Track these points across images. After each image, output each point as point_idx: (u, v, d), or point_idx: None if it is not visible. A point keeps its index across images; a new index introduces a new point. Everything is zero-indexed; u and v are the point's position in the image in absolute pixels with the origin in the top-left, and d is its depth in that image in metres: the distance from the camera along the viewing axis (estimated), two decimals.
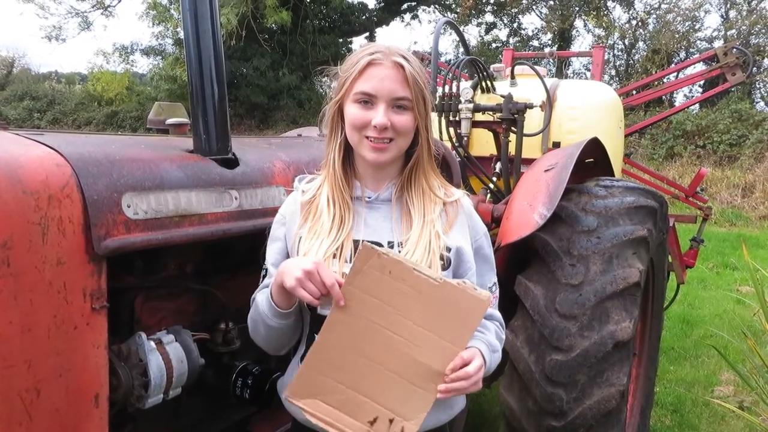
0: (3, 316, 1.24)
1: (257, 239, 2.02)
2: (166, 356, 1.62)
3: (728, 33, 17.14)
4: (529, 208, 2.46)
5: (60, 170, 1.36)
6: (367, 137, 1.49)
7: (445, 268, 1.51)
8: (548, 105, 3.53)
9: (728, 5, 17.85)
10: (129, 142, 1.72)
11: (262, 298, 1.53)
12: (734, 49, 4.89)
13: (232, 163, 1.85)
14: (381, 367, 1.37)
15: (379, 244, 1.52)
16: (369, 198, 1.58)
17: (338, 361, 1.37)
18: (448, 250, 1.53)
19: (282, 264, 1.47)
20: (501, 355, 1.61)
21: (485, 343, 1.51)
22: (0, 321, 1.24)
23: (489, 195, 3.40)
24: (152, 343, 1.61)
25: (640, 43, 18.90)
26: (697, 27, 18.01)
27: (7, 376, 1.26)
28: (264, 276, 1.62)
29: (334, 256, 1.50)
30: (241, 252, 1.97)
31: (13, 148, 1.36)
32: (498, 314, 1.66)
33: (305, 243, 1.53)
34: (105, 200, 1.43)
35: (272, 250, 1.62)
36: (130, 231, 1.48)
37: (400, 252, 1.50)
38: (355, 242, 1.52)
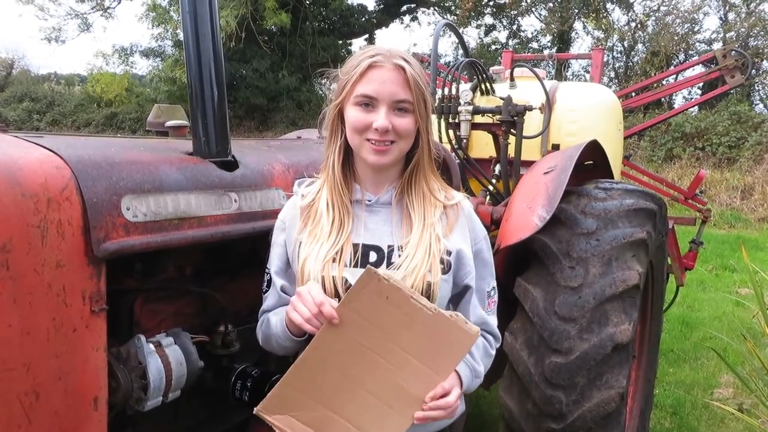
0: (2, 319, 1.24)
1: (257, 241, 2.02)
2: (165, 359, 1.61)
3: (727, 35, 17.16)
4: (529, 211, 2.46)
5: (59, 173, 1.36)
6: (369, 140, 1.48)
7: (445, 271, 1.51)
8: (547, 107, 3.53)
9: (727, 7, 17.88)
10: (128, 145, 1.72)
11: (276, 320, 1.56)
12: (733, 52, 4.90)
13: (231, 165, 1.85)
14: (361, 388, 1.37)
15: (379, 248, 1.52)
16: (369, 201, 1.57)
17: (318, 379, 1.37)
18: (449, 253, 1.53)
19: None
20: (482, 380, 1.62)
21: (469, 369, 1.54)
22: None
23: (488, 197, 3.41)
24: (151, 346, 1.60)
25: (639, 45, 18.93)
26: (696, 29, 18.04)
27: (6, 379, 1.26)
28: (268, 283, 1.63)
29: (334, 260, 1.49)
30: (240, 254, 1.97)
31: (13, 150, 1.36)
32: (493, 324, 1.66)
33: (305, 247, 1.53)
34: (104, 203, 1.43)
35: (273, 256, 1.63)
36: (130, 234, 1.48)
37: (400, 255, 1.50)
38: (355, 246, 1.52)
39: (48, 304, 1.31)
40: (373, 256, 1.52)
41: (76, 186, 1.38)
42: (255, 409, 1.42)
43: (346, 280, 1.48)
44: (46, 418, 1.33)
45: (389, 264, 1.50)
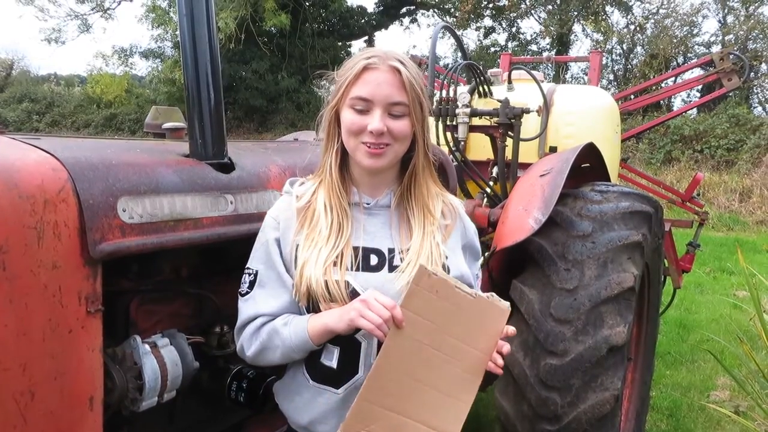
0: None
1: (252, 243, 2.03)
2: (160, 359, 1.62)
3: (726, 38, 17.20)
4: (525, 213, 2.47)
5: (56, 174, 1.37)
6: (364, 142, 1.46)
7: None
8: (545, 110, 3.54)
9: (726, 10, 17.92)
10: (125, 147, 1.72)
11: (289, 332, 1.47)
12: (731, 55, 4.91)
13: (227, 167, 1.86)
14: (426, 385, 1.40)
15: (380, 251, 1.51)
16: (367, 204, 1.56)
17: (388, 387, 1.37)
18: (446, 257, 1.55)
19: (326, 314, 1.45)
20: None
21: None
22: None
23: (485, 199, 3.41)
24: (147, 347, 1.61)
25: (638, 48, 18.97)
26: (694, 32, 18.09)
27: (2, 378, 1.26)
28: (251, 282, 1.55)
29: (335, 264, 1.46)
30: (236, 256, 1.97)
31: (10, 152, 1.37)
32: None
33: (303, 251, 1.49)
34: (101, 204, 1.44)
35: (261, 254, 1.55)
36: (126, 235, 1.49)
37: (402, 260, 1.49)
38: (355, 249, 1.49)
39: (44, 304, 1.32)
40: (374, 260, 1.50)
41: (72, 187, 1.39)
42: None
43: (349, 284, 1.46)
44: (41, 418, 1.34)
45: (392, 268, 1.49)
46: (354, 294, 1.45)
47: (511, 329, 1.46)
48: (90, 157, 1.50)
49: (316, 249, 1.48)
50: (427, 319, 1.38)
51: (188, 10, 1.75)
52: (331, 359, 1.50)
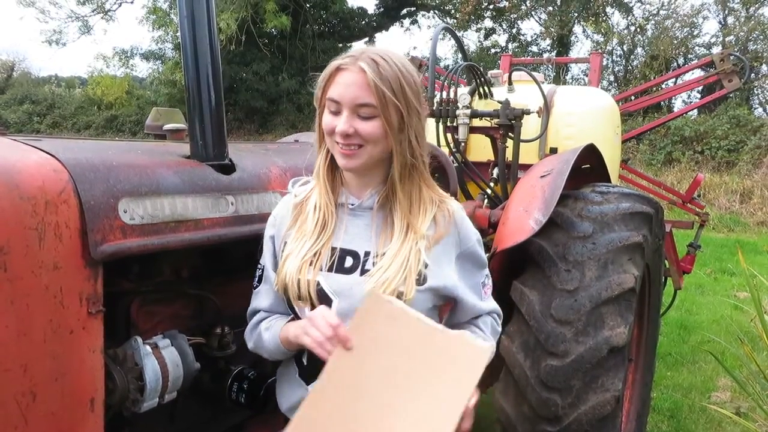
0: (0, 321, 1.26)
1: (253, 244, 2.03)
2: (161, 360, 1.62)
3: (726, 39, 17.20)
4: (525, 214, 2.47)
5: (57, 176, 1.37)
6: (337, 143, 1.46)
7: (420, 283, 1.46)
8: (545, 111, 3.54)
9: (726, 11, 17.92)
10: (126, 148, 1.73)
11: (268, 336, 1.57)
12: (731, 56, 4.92)
13: (228, 168, 1.86)
14: (378, 413, 1.28)
15: (356, 253, 1.50)
16: (352, 205, 1.55)
17: (333, 408, 1.28)
18: (426, 266, 1.48)
19: (292, 325, 1.51)
20: (494, 349, 1.57)
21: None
22: None
23: (486, 200, 3.42)
24: (148, 348, 1.61)
25: (639, 49, 18.97)
26: (695, 33, 18.09)
27: (3, 379, 1.27)
28: (260, 276, 1.65)
29: (311, 263, 1.48)
30: (237, 257, 1.98)
31: (11, 153, 1.37)
32: (493, 305, 1.70)
33: (290, 245, 1.53)
34: (102, 205, 1.44)
35: (265, 251, 1.65)
36: (127, 236, 1.49)
37: (374, 264, 1.47)
38: (333, 249, 1.50)
39: (45, 305, 1.32)
40: (349, 261, 1.50)
41: (73, 189, 1.39)
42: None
43: (318, 284, 1.47)
44: (42, 419, 1.34)
45: (363, 271, 1.48)
46: (321, 294, 1.47)
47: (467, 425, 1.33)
48: (91, 158, 1.51)
49: (300, 244, 1.51)
50: (379, 347, 1.29)
51: (189, 12, 1.76)
52: (304, 357, 1.56)
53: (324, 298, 1.47)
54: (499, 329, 1.73)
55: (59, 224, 1.35)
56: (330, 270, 1.49)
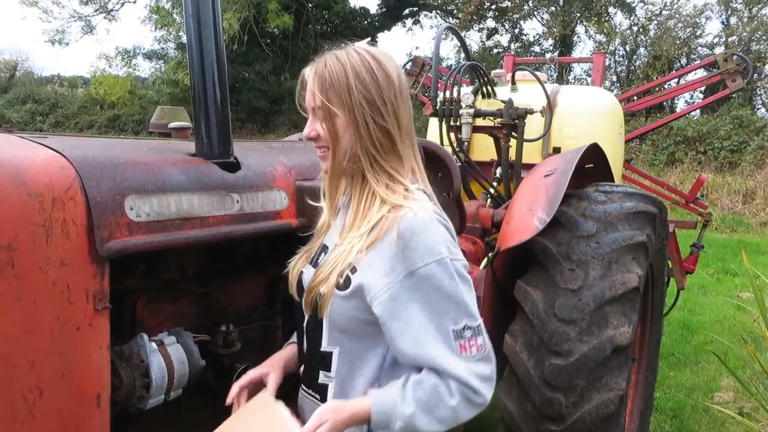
0: (7, 317, 1.26)
1: (258, 242, 2.04)
2: (167, 357, 1.63)
3: (729, 39, 17.16)
4: (529, 213, 2.48)
5: (64, 173, 1.38)
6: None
7: (340, 287, 1.37)
8: (548, 110, 3.54)
9: (729, 12, 17.89)
10: (132, 146, 1.74)
11: None
12: (734, 56, 4.91)
13: (233, 166, 1.87)
14: None
15: (326, 247, 1.53)
16: (340, 204, 1.57)
17: None
18: (353, 270, 1.37)
19: None
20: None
21: (390, 403, 1.33)
22: (4, 321, 1.26)
23: (489, 200, 3.42)
24: (154, 345, 1.62)
25: (641, 49, 18.94)
26: (698, 33, 18.05)
27: (11, 376, 1.27)
28: None
29: (305, 257, 1.57)
30: (242, 255, 1.98)
31: (18, 150, 1.38)
32: (463, 372, 1.32)
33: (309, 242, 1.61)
34: (108, 203, 1.45)
35: None
36: (133, 233, 1.50)
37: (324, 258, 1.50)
38: (322, 246, 1.55)
39: (52, 302, 1.33)
40: (321, 256, 1.53)
41: (80, 186, 1.40)
42: None
43: (301, 273, 1.53)
44: (49, 416, 1.34)
45: (316, 264, 1.51)
46: (299, 285, 1.53)
47: None
48: (97, 155, 1.51)
49: (311, 241, 1.60)
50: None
51: (194, 10, 1.76)
52: None
53: (300, 288, 1.53)
54: (453, 404, 1.33)
55: (66, 221, 1.35)
56: (311, 263, 1.54)
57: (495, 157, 3.57)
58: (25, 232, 1.28)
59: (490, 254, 2.69)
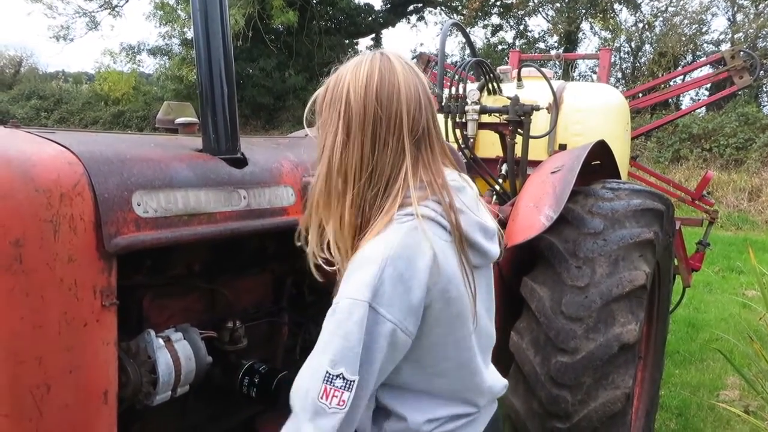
0: (14, 313, 1.26)
1: (265, 238, 2.03)
2: (174, 354, 1.62)
3: (735, 36, 17.07)
4: (536, 210, 2.47)
5: (72, 168, 1.38)
6: None
7: None
8: (555, 107, 3.53)
9: (735, 8, 17.80)
10: (139, 141, 1.73)
11: None
12: (741, 53, 4.88)
13: (240, 162, 1.86)
14: None
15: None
16: None
17: None
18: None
19: None
20: None
21: None
22: (11, 317, 1.26)
23: (495, 197, 3.41)
24: (161, 341, 1.61)
25: (647, 46, 18.85)
26: (704, 30, 17.96)
27: (19, 371, 1.27)
28: None
29: None
30: (249, 251, 1.98)
31: (26, 146, 1.37)
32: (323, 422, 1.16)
33: None
34: (116, 198, 1.44)
35: None
36: (140, 229, 1.49)
37: None
38: None
39: (60, 298, 1.32)
40: None
41: (88, 181, 1.39)
42: None
43: None
44: (56, 411, 1.34)
45: None
46: None
47: None
48: (105, 151, 1.51)
49: None
50: None
51: (202, 5, 1.76)
52: None
53: None
54: None
55: (74, 217, 1.35)
56: None
57: (500, 154, 3.56)
58: (32, 228, 1.27)
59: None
